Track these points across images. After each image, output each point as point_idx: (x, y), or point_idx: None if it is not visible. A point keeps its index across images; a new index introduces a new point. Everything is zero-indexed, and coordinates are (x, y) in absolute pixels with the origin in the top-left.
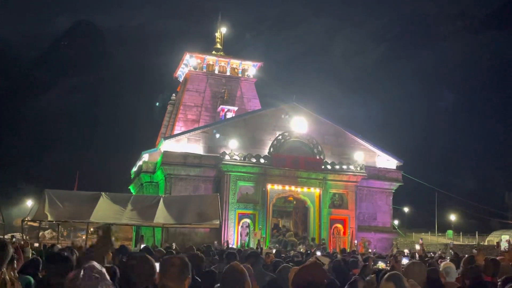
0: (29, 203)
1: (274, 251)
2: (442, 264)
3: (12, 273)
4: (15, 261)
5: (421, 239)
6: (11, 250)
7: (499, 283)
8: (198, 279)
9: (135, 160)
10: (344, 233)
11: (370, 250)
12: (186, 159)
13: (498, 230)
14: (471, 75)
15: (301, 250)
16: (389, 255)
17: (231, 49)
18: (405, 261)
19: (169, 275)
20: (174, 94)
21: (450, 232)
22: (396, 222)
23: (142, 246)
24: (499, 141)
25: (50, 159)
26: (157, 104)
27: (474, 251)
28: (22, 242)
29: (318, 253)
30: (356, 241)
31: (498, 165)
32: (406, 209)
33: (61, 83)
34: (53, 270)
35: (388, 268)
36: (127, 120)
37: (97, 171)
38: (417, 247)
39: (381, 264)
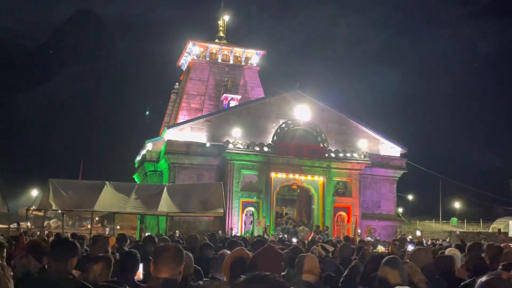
0: (34, 192)
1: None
2: (447, 251)
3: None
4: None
5: (420, 230)
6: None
7: (500, 268)
8: (197, 267)
9: (139, 149)
10: (348, 221)
11: (370, 238)
12: (190, 148)
13: (502, 217)
14: (474, 62)
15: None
16: (393, 240)
17: (234, 37)
18: (410, 247)
19: (162, 264)
20: (177, 83)
21: (454, 219)
22: (400, 210)
23: (146, 234)
24: (503, 128)
25: (54, 148)
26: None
27: (483, 242)
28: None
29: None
30: (359, 229)
31: (503, 152)
32: (410, 197)
33: (63, 72)
34: (56, 256)
35: (387, 252)
36: (130, 109)
37: (101, 161)
38: (418, 233)
39: (380, 248)
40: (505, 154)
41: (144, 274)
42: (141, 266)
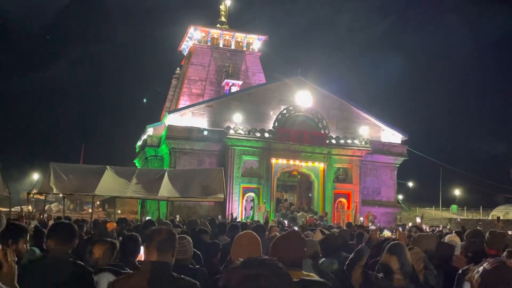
0: (35, 176)
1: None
2: (446, 237)
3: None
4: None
5: (420, 217)
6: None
7: (504, 255)
8: (197, 251)
9: (140, 134)
10: (348, 207)
11: (373, 226)
12: (191, 133)
13: (502, 205)
14: (477, 48)
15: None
16: (395, 225)
17: (235, 22)
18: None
19: (153, 247)
20: (178, 68)
21: (454, 206)
22: (400, 196)
23: (147, 218)
24: (506, 116)
25: (56, 132)
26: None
27: (480, 223)
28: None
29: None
30: (360, 216)
31: (504, 139)
32: (410, 184)
33: (65, 56)
34: (57, 239)
35: (394, 237)
36: (131, 94)
37: (102, 145)
38: (418, 220)
39: (386, 233)
40: (506, 142)
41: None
42: (142, 249)
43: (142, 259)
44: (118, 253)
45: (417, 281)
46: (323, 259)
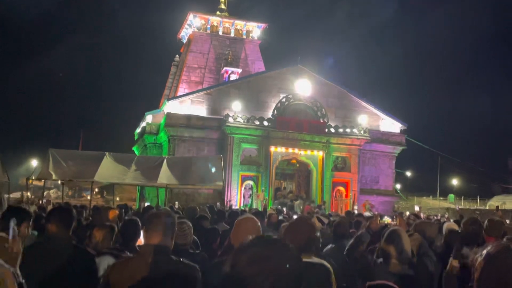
0: (34, 162)
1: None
2: (445, 225)
3: (27, 229)
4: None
5: (418, 206)
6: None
7: (506, 239)
8: (195, 237)
9: (139, 121)
10: (346, 195)
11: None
12: (190, 121)
13: (499, 195)
14: (479, 36)
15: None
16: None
17: (235, 10)
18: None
19: (153, 231)
20: (177, 55)
21: (451, 196)
22: (398, 186)
23: (146, 204)
24: (504, 106)
25: (55, 119)
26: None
27: (477, 212)
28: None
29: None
30: (357, 204)
31: (502, 129)
32: (408, 173)
33: (63, 43)
34: (57, 223)
35: (394, 223)
36: (130, 81)
37: (101, 132)
38: (416, 208)
39: (386, 219)
40: (505, 132)
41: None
42: (142, 233)
43: (142, 243)
44: (117, 237)
45: (416, 267)
46: (331, 245)
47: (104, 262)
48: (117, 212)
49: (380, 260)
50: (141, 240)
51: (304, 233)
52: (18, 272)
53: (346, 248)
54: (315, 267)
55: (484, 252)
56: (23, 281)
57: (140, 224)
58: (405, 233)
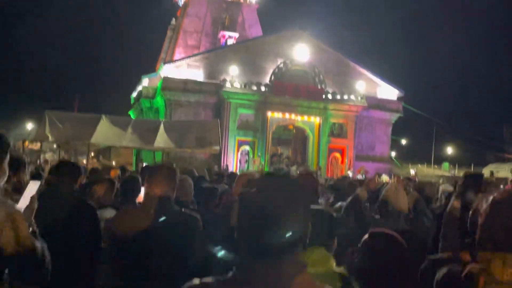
0: (29, 126)
1: None
2: (441, 187)
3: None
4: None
5: (414, 170)
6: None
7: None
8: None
9: (135, 85)
10: (342, 161)
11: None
12: (186, 85)
13: (493, 163)
14: (476, 4)
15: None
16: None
17: None
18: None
19: (155, 182)
20: (174, 19)
21: (446, 164)
22: (393, 153)
23: (144, 164)
24: (501, 75)
25: (49, 83)
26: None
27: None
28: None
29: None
30: (351, 170)
31: (498, 98)
32: (404, 141)
33: (59, 4)
34: (61, 175)
35: (392, 182)
36: (126, 44)
37: (97, 96)
38: (412, 172)
39: (384, 178)
40: (501, 101)
41: None
42: (142, 190)
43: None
44: (118, 194)
45: (412, 222)
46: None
47: (107, 214)
48: (118, 171)
49: (378, 216)
50: (141, 197)
51: (309, 185)
52: (33, 220)
53: (345, 205)
54: (318, 212)
55: (490, 198)
56: (37, 230)
57: (140, 181)
58: (402, 190)
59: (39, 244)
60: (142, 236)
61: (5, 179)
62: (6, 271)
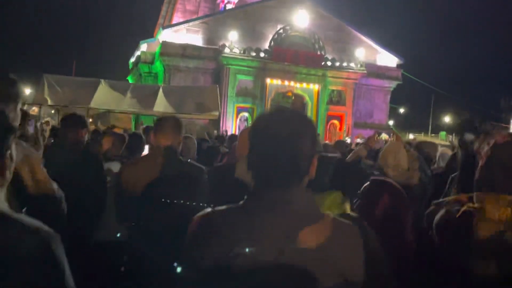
0: (27, 91)
1: None
2: (440, 150)
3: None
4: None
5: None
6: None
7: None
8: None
9: (133, 50)
10: (340, 128)
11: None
12: (185, 51)
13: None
14: None
15: None
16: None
17: None
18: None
19: (162, 133)
20: None
21: (443, 133)
22: (391, 122)
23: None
24: (502, 46)
25: (46, 48)
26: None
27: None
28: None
29: None
30: (349, 137)
31: (498, 68)
32: (402, 109)
33: None
34: (69, 127)
35: (391, 139)
36: (123, 8)
37: (94, 62)
38: (411, 136)
39: (384, 136)
40: (500, 71)
41: None
42: (146, 147)
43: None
44: (123, 150)
45: (410, 178)
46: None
47: (113, 167)
48: (121, 130)
49: (377, 172)
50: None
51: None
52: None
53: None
54: (336, 160)
55: (492, 141)
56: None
57: (144, 138)
58: (402, 147)
59: (56, 186)
60: (151, 185)
61: (19, 121)
62: (24, 210)
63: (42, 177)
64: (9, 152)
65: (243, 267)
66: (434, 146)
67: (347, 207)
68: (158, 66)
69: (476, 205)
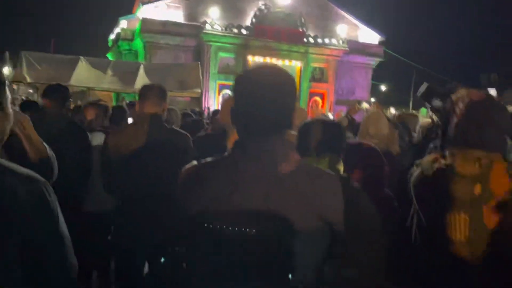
0: (6, 70)
1: None
2: (421, 122)
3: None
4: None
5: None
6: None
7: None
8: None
9: (113, 27)
10: (322, 106)
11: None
12: (166, 27)
13: None
14: None
15: None
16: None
17: None
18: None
19: (147, 101)
20: None
21: (423, 110)
22: (372, 99)
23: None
24: (482, 23)
25: (25, 25)
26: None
27: None
28: None
29: None
30: (331, 113)
31: (478, 44)
32: (383, 87)
33: None
34: (52, 98)
35: (372, 108)
36: None
37: (73, 39)
38: (393, 111)
39: (365, 105)
40: (479, 50)
41: None
42: (130, 120)
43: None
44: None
45: (391, 146)
46: None
47: (97, 137)
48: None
49: (359, 140)
50: None
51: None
52: None
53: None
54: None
55: (467, 99)
56: None
57: (127, 111)
58: (383, 116)
59: (47, 146)
60: (137, 152)
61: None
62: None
63: (36, 138)
64: (4, 106)
65: (230, 212)
66: (414, 118)
67: (340, 169)
68: (138, 43)
69: (447, 161)
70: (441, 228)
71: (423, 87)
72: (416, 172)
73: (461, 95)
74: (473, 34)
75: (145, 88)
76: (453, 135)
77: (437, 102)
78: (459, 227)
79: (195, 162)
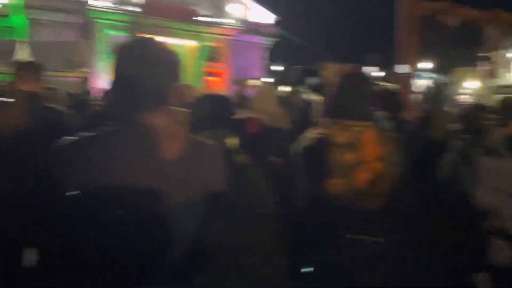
0: None
1: None
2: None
3: None
4: None
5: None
6: None
7: None
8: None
9: None
10: (219, 85)
11: None
12: (48, 2)
13: None
14: None
15: None
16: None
17: None
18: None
19: (25, 76)
20: None
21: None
22: (271, 80)
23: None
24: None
25: None
26: None
27: None
28: None
29: None
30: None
31: (370, 26)
32: (279, 67)
33: None
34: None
35: (262, 84)
36: None
37: None
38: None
39: (255, 82)
40: (378, 30)
41: None
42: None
43: None
44: None
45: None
46: None
47: None
48: None
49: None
50: None
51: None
52: None
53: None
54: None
55: (338, 74)
56: None
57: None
58: (271, 92)
59: None
60: (20, 130)
61: None
62: None
63: None
64: None
65: (114, 185)
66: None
67: (230, 142)
68: (15, 19)
69: (326, 131)
70: (322, 193)
71: (296, 70)
72: (298, 142)
73: (333, 71)
74: (366, 14)
75: (21, 64)
76: (328, 108)
77: (311, 80)
78: (337, 191)
79: (71, 138)
